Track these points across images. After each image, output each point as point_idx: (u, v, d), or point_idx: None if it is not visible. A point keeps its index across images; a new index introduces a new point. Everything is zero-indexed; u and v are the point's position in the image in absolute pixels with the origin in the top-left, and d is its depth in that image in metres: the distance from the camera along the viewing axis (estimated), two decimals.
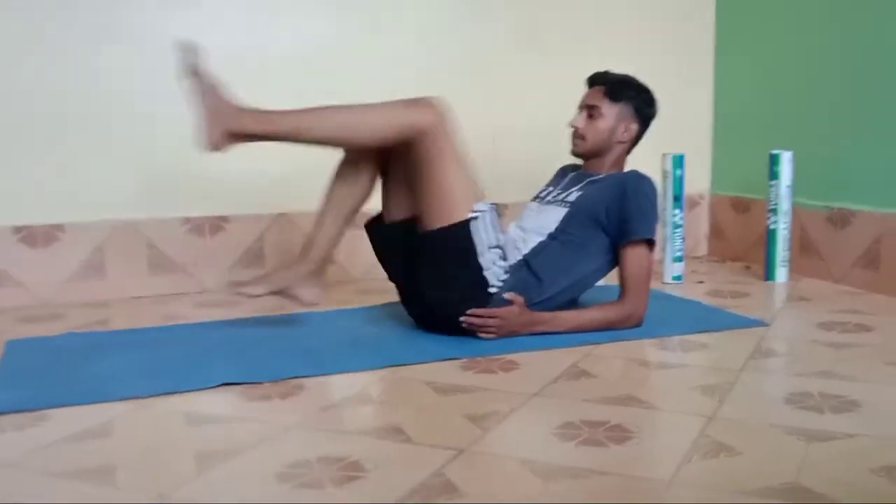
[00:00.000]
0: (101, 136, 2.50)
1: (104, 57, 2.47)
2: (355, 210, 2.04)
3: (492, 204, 1.97)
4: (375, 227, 2.07)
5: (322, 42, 2.68)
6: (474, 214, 1.91)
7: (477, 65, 2.83)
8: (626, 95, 2.12)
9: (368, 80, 2.68)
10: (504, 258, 1.95)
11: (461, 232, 1.90)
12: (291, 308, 2.16)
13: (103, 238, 2.51)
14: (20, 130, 2.42)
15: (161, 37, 2.50)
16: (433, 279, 1.94)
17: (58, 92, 2.44)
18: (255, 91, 2.55)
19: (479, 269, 1.91)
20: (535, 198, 2.19)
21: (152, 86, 2.52)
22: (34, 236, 2.44)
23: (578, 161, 2.21)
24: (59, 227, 2.46)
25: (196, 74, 1.83)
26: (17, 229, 2.43)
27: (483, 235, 1.91)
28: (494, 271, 1.93)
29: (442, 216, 1.90)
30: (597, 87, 2.15)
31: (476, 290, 1.92)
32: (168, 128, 2.55)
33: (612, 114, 2.11)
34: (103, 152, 2.50)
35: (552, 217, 2.06)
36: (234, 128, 1.82)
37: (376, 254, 2.10)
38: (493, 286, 1.93)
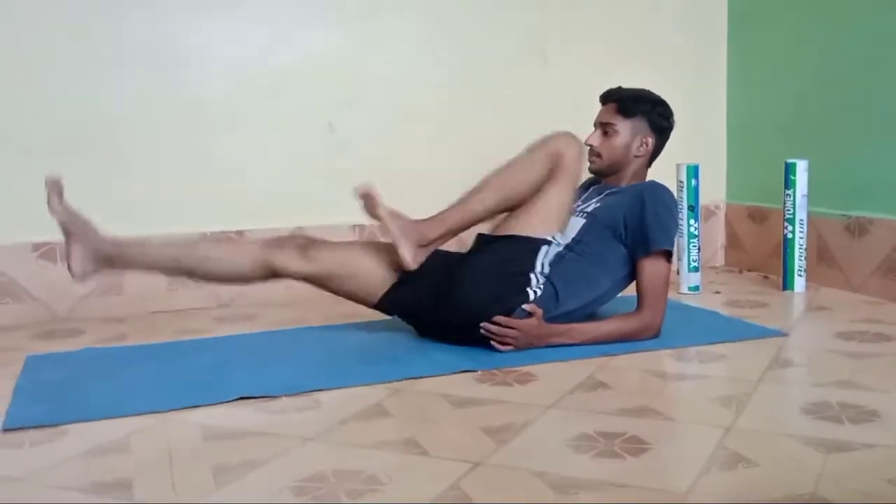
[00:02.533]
0: (116, 152, 2.52)
1: (118, 75, 2.50)
2: (201, 276, 2.08)
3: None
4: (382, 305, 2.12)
5: (323, 56, 2.69)
6: (551, 239, 2.02)
7: (481, 76, 2.83)
8: (640, 110, 2.12)
9: (371, 93, 2.71)
10: (541, 287, 1.97)
11: (532, 247, 2.00)
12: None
13: None
14: (39, 147, 2.44)
15: (165, 55, 2.54)
16: (483, 270, 1.97)
17: (74, 109, 2.46)
18: (259, 106, 2.62)
19: (527, 283, 1.96)
20: None
21: (167, 105, 2.55)
22: (54, 252, 2.46)
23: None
24: None
25: (378, 210, 1.98)
26: (37, 245, 2.45)
27: (543, 260, 1.99)
28: (534, 290, 1.96)
29: (535, 228, 2.01)
30: (610, 104, 2.15)
31: (514, 295, 1.94)
32: (185, 143, 2.58)
33: (626, 129, 2.11)
34: (119, 167, 2.52)
35: (570, 228, 2.06)
36: (420, 240, 2.00)
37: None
38: (528, 302, 1.94)
